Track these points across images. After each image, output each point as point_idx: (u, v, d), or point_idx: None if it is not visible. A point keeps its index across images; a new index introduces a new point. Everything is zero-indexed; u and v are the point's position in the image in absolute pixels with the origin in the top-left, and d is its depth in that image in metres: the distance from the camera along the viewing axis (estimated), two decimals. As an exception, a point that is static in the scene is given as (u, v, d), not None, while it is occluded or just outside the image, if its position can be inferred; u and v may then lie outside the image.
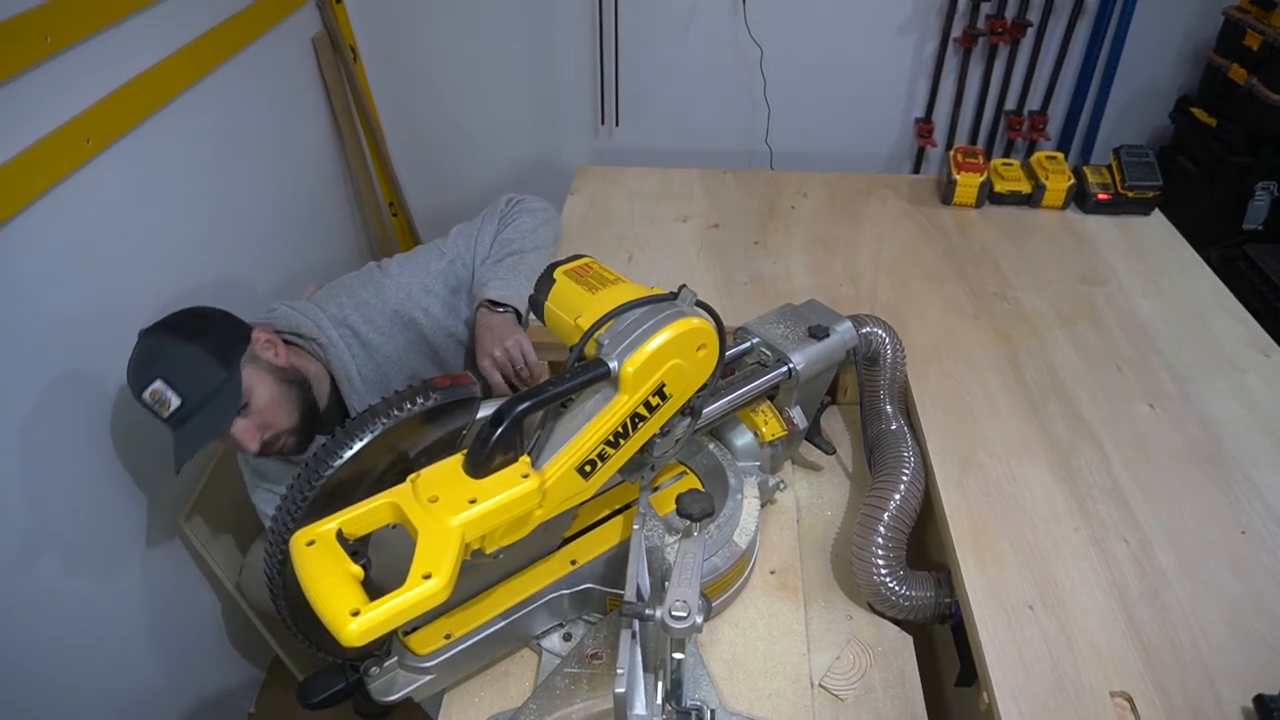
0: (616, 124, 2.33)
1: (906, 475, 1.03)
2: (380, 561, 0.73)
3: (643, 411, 0.79)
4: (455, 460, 0.74)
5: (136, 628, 1.44)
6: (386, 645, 0.86)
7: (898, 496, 1.00)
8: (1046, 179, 1.69)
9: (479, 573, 0.86)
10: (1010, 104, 2.25)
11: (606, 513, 0.98)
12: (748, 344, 1.07)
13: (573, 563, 0.91)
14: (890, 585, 0.96)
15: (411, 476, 0.74)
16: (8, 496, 1.17)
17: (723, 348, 0.83)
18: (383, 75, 2.29)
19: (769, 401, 1.07)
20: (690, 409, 0.87)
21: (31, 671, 1.23)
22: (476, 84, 2.30)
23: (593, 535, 0.95)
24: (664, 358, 0.77)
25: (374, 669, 0.84)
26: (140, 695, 1.46)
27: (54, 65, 1.21)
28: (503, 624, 0.86)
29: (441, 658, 0.84)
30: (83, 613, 1.32)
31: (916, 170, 2.37)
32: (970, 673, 0.92)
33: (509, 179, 2.45)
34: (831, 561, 1.06)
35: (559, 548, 0.94)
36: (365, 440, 0.77)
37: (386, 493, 0.73)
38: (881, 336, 1.14)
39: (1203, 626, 0.89)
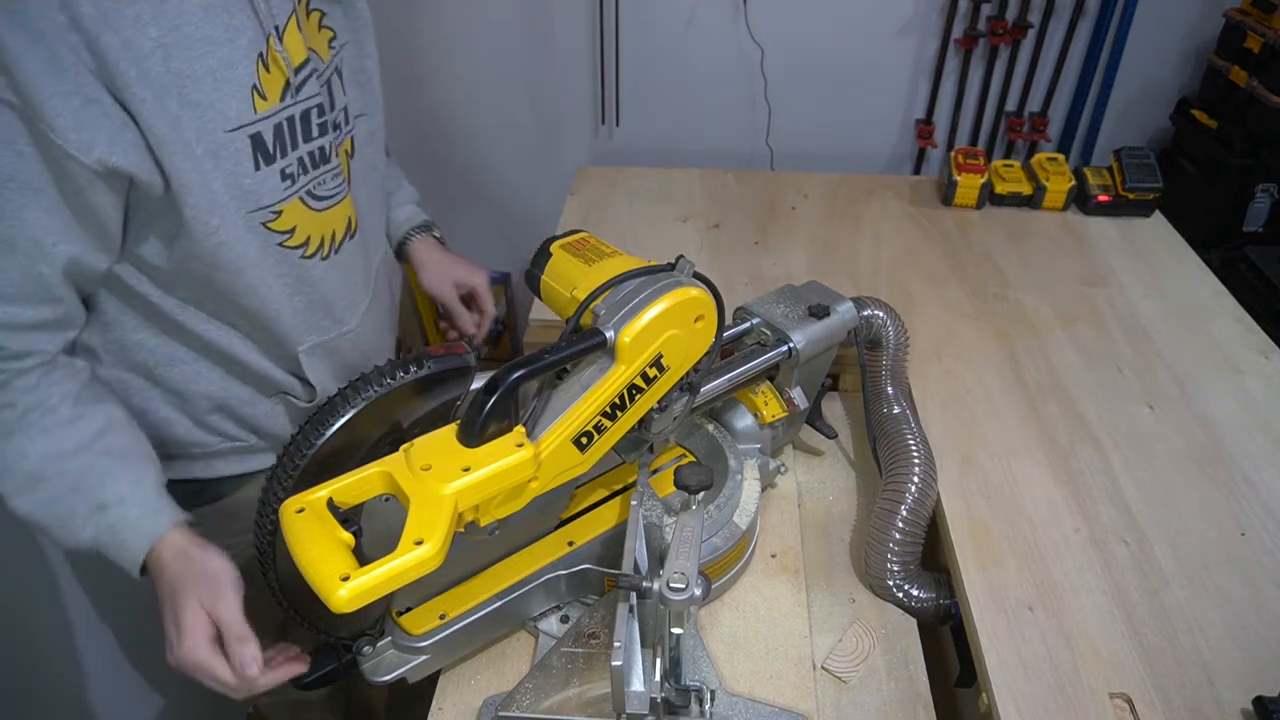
0: (616, 124, 2.33)
1: (918, 471, 1.02)
2: (371, 530, 0.73)
3: (640, 383, 0.79)
4: (449, 430, 0.74)
5: (135, 626, 1.43)
6: (380, 625, 0.86)
7: (910, 499, 1.00)
8: (1047, 180, 1.69)
9: (475, 552, 0.85)
10: (1011, 105, 2.25)
11: (604, 495, 0.98)
12: (747, 324, 1.07)
13: (570, 544, 0.91)
14: (905, 588, 0.97)
15: (404, 446, 0.74)
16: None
17: (720, 320, 0.83)
18: (381, 74, 2.29)
19: (769, 382, 1.07)
20: (688, 385, 0.86)
21: (30, 670, 1.23)
22: (475, 83, 2.29)
23: (591, 516, 0.95)
24: (661, 327, 0.77)
25: (367, 648, 0.84)
26: (139, 694, 1.46)
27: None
28: (498, 604, 0.86)
29: (436, 638, 0.83)
30: (81, 611, 1.31)
31: (917, 171, 2.37)
32: (970, 673, 0.92)
33: (508, 178, 2.44)
34: (834, 545, 1.06)
35: (556, 529, 0.93)
36: (356, 409, 0.76)
37: (379, 462, 0.73)
38: (883, 319, 1.14)
39: (1202, 628, 0.89)
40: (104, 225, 0.75)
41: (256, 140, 0.79)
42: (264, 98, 0.78)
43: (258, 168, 0.80)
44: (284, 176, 0.83)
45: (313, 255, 0.90)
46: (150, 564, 0.77)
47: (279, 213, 0.84)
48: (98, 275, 0.79)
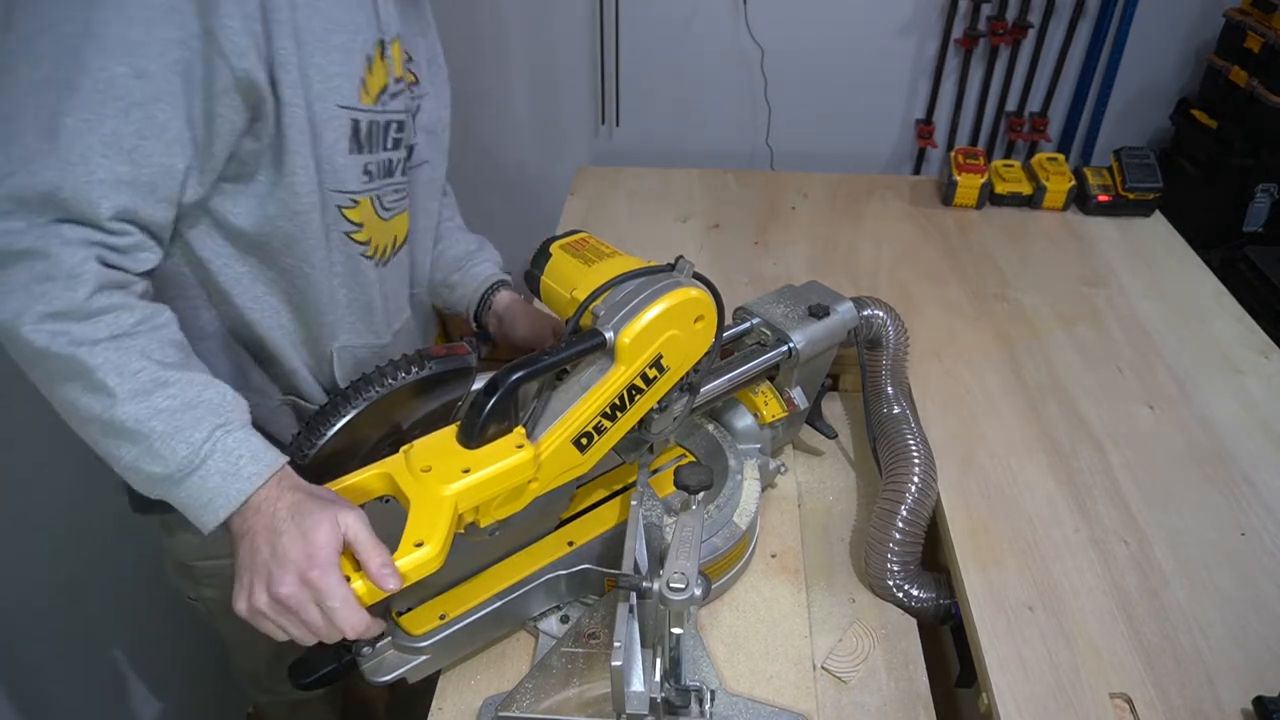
0: (616, 124, 2.33)
1: (919, 471, 1.02)
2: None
3: (640, 384, 0.79)
4: (449, 431, 0.74)
5: (136, 627, 1.44)
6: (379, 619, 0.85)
7: (910, 499, 1.00)
8: (1047, 180, 1.69)
9: (475, 552, 0.85)
10: (1011, 105, 2.25)
11: (604, 495, 0.98)
12: (747, 324, 1.07)
13: (570, 544, 0.91)
14: (905, 588, 0.97)
15: (404, 448, 0.74)
16: (4, 498, 1.17)
17: (720, 320, 0.83)
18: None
19: (769, 382, 1.07)
20: (688, 385, 0.86)
21: (30, 670, 1.23)
22: (475, 83, 2.29)
23: (591, 516, 0.94)
24: (661, 328, 0.77)
25: (366, 649, 0.84)
26: (138, 694, 1.46)
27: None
28: (498, 604, 0.86)
29: (436, 638, 0.83)
30: (81, 614, 1.31)
31: (917, 171, 2.37)
32: (970, 673, 0.92)
33: (508, 179, 2.44)
34: (834, 545, 1.06)
35: (556, 529, 0.93)
36: (358, 409, 0.76)
37: (379, 463, 0.74)
38: (883, 319, 1.14)
39: (1202, 628, 0.89)
40: (213, 144, 0.74)
41: (355, 127, 0.83)
42: (367, 93, 0.83)
43: (350, 151, 0.84)
44: (365, 171, 0.87)
45: (372, 256, 0.94)
46: (253, 499, 0.71)
47: (356, 203, 0.87)
48: (187, 206, 0.78)
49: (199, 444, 0.69)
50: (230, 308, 0.89)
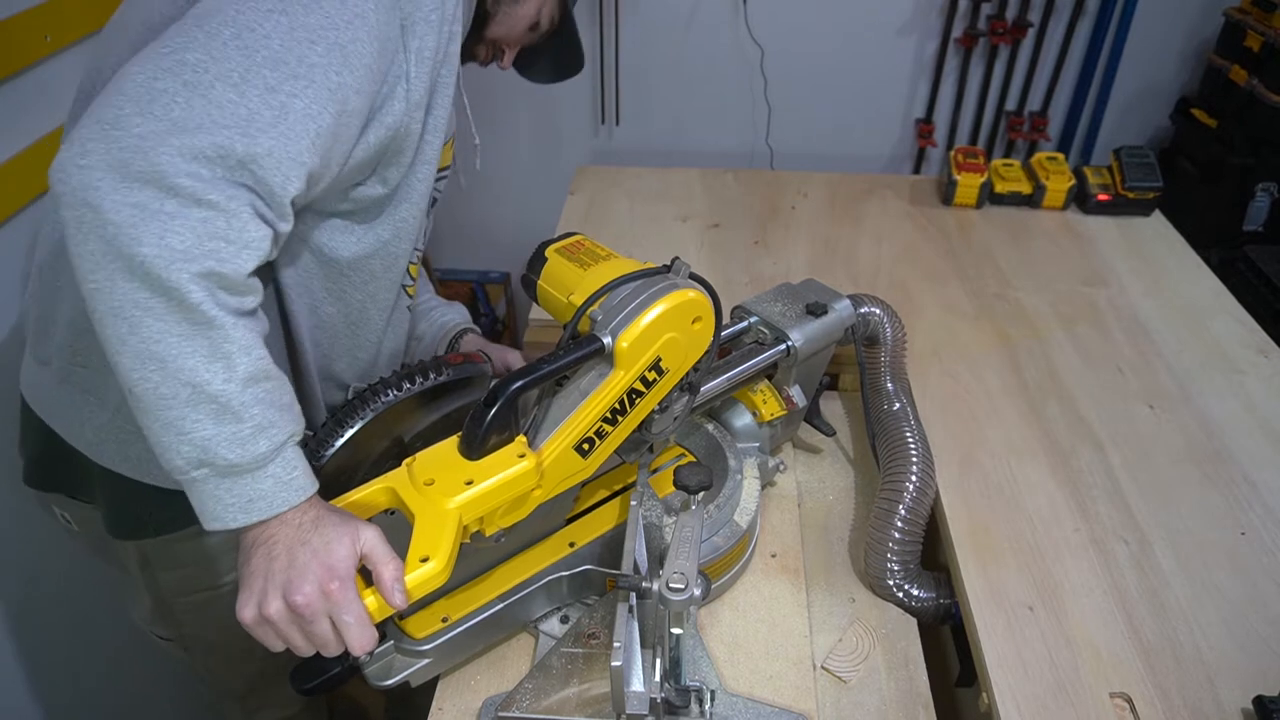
0: (616, 124, 2.33)
1: (916, 469, 1.02)
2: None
3: (639, 387, 0.79)
4: (451, 443, 0.74)
5: (131, 630, 1.43)
6: (382, 629, 0.86)
7: (908, 498, 1.00)
8: (1047, 180, 1.69)
9: (479, 555, 0.85)
10: (1011, 105, 2.25)
11: (605, 495, 0.98)
12: (745, 323, 1.07)
13: (571, 545, 0.91)
14: (905, 587, 0.97)
15: (407, 461, 0.74)
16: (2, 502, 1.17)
17: (719, 320, 0.83)
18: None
19: (767, 381, 1.07)
20: (688, 385, 0.86)
21: (28, 673, 1.23)
22: (475, 83, 2.29)
23: (591, 517, 0.95)
24: (659, 331, 0.77)
25: (364, 657, 0.84)
26: (136, 697, 1.46)
27: (54, 64, 1.21)
28: (500, 607, 0.86)
29: (438, 641, 0.83)
30: (79, 616, 1.31)
31: (917, 171, 2.37)
32: (970, 673, 0.92)
33: (509, 179, 2.44)
34: (833, 545, 1.06)
35: (559, 529, 0.93)
36: (377, 411, 0.77)
37: (382, 477, 0.74)
38: (880, 316, 1.14)
39: (1202, 627, 0.89)
40: (338, 178, 0.77)
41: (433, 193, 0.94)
42: (437, 168, 0.92)
43: (425, 213, 0.94)
44: (424, 232, 0.97)
45: (411, 309, 1.05)
46: (288, 511, 0.70)
47: (418, 259, 0.98)
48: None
49: (277, 445, 0.67)
50: (281, 329, 0.91)
